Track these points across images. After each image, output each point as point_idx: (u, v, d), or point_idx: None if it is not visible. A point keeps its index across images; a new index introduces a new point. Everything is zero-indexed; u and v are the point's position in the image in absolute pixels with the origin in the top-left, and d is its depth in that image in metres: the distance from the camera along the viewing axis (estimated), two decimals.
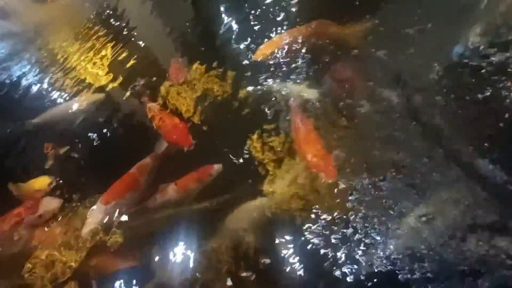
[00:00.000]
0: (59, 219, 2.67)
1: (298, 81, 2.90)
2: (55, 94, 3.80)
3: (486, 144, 2.16)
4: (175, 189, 2.64)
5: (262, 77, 3.01)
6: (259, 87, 2.99)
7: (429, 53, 2.67)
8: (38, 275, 2.39)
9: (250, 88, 2.98)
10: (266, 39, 3.22)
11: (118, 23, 4.29)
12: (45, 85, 3.98)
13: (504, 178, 2.04)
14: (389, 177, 2.23)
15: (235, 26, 3.51)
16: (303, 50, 3.02)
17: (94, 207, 2.57)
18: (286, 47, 3.06)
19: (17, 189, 2.90)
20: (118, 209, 2.57)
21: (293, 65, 3.01)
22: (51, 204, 2.73)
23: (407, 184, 2.19)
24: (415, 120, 2.42)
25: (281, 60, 3.05)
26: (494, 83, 2.29)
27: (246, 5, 3.61)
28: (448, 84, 2.46)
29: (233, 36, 3.44)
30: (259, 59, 3.09)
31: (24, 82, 4.14)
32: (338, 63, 2.87)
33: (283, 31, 3.23)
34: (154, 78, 3.44)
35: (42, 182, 2.97)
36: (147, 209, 2.62)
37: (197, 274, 2.22)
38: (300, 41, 3.04)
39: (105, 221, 2.50)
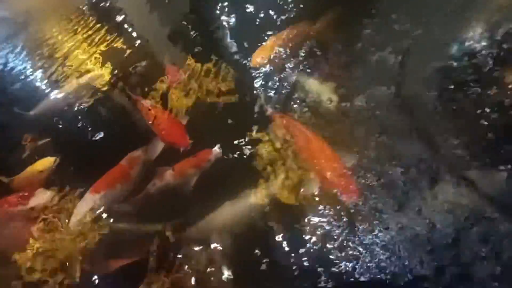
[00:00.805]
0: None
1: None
2: (46, 82, 3.75)
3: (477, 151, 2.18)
4: (172, 174, 2.63)
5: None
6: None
7: (423, 52, 2.65)
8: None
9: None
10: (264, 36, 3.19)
11: (112, 12, 4.21)
12: (35, 73, 3.92)
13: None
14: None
15: (232, 22, 3.49)
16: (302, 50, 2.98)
17: (84, 196, 2.58)
18: (281, 48, 3.00)
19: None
20: (108, 200, 2.57)
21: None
22: (43, 196, 2.70)
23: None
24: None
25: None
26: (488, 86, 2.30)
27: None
28: (441, 85, 2.46)
29: (229, 32, 3.41)
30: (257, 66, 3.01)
31: (15, 69, 4.07)
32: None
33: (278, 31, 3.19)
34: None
35: (45, 162, 2.96)
36: (149, 195, 2.62)
37: None
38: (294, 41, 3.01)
39: (95, 211, 2.52)
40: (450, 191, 2.07)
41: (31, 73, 3.93)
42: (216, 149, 2.66)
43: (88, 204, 2.54)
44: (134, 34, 3.88)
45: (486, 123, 2.20)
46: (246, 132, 2.68)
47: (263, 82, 2.92)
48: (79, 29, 4.20)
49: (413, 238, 2.01)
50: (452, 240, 1.95)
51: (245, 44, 3.26)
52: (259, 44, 3.11)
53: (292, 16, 3.24)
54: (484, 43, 2.42)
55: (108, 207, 2.56)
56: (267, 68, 2.97)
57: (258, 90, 2.89)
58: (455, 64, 2.46)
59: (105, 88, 3.47)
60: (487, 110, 2.23)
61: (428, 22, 2.73)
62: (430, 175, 2.16)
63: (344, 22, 3.00)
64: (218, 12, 3.56)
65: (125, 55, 3.69)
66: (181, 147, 2.73)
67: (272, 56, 2.97)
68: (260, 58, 2.98)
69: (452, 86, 2.40)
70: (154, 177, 2.66)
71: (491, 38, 2.42)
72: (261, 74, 2.96)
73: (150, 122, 2.93)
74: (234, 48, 3.28)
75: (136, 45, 3.75)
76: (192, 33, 3.58)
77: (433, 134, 2.31)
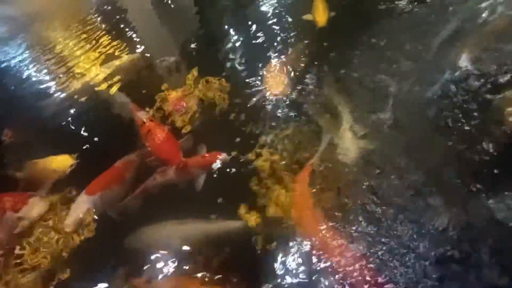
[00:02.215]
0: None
1: None
2: (47, 81, 3.80)
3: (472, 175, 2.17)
4: (175, 171, 2.63)
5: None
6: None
7: (418, 79, 2.69)
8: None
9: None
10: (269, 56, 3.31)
11: (119, 20, 4.29)
12: (38, 72, 3.96)
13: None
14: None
15: (238, 42, 3.57)
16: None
17: (78, 198, 2.57)
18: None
19: (31, 167, 2.88)
20: (104, 201, 2.57)
21: None
22: (36, 208, 2.61)
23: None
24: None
25: None
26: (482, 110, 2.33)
27: (251, 23, 3.69)
28: (435, 111, 2.49)
29: (236, 52, 3.49)
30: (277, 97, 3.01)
31: (18, 67, 4.11)
32: None
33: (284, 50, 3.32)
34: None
35: (62, 161, 2.87)
36: (146, 190, 2.62)
37: None
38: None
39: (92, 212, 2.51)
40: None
41: (35, 71, 3.97)
42: (225, 154, 2.63)
43: (84, 205, 2.52)
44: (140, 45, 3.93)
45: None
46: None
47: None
48: (83, 33, 4.25)
49: None
50: None
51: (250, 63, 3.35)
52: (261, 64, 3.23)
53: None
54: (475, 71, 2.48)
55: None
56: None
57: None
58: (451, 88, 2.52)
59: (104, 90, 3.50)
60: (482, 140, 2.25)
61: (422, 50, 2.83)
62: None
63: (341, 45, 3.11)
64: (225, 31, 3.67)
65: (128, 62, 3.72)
66: (173, 165, 2.67)
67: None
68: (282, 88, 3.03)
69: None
70: (155, 172, 2.65)
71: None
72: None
73: (143, 134, 2.88)
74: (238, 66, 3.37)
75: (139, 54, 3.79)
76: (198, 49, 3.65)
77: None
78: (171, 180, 2.62)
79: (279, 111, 2.87)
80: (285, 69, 3.16)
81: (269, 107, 2.91)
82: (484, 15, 2.80)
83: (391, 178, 2.32)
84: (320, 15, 3.40)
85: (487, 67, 2.45)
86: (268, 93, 3.02)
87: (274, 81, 3.09)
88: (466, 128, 2.32)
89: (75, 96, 3.52)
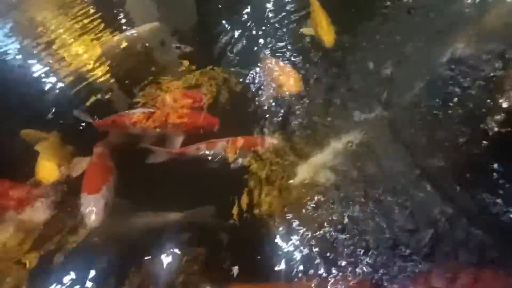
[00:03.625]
0: None
1: None
2: (34, 65, 3.67)
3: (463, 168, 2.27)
4: (225, 146, 2.65)
5: None
6: None
7: (412, 67, 2.83)
8: None
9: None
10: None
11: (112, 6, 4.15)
12: (25, 55, 3.83)
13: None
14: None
15: (236, 35, 3.57)
16: None
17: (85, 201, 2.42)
18: None
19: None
20: (110, 193, 2.49)
21: None
22: (41, 213, 2.50)
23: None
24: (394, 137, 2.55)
25: None
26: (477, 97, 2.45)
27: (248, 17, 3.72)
28: (429, 99, 2.61)
29: (232, 46, 3.50)
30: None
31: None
32: None
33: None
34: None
35: (49, 172, 2.71)
36: (183, 154, 2.67)
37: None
38: None
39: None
40: None
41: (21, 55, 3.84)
42: (274, 138, 2.68)
43: (99, 203, 2.41)
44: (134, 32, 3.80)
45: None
46: None
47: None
48: (74, 18, 4.11)
49: None
50: None
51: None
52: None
53: None
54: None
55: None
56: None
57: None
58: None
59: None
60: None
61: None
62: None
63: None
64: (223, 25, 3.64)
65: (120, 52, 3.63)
66: (214, 128, 2.80)
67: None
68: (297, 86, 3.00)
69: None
70: (200, 142, 2.69)
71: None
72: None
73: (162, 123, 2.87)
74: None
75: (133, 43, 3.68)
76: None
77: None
78: (218, 154, 2.63)
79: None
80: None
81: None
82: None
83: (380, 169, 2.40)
84: (327, 34, 3.22)
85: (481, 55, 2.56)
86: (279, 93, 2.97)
87: (287, 79, 3.02)
88: (457, 117, 2.44)
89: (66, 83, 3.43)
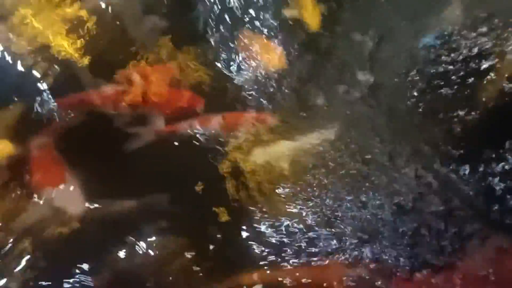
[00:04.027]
0: None
1: None
2: None
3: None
4: (221, 123, 2.50)
5: None
6: None
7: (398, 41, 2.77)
8: None
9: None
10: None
11: None
12: None
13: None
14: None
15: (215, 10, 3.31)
16: None
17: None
18: None
19: None
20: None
21: None
22: None
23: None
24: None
25: None
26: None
27: None
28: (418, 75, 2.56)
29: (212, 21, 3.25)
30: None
31: None
32: None
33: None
34: None
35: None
36: (174, 132, 2.50)
37: None
38: None
39: None
40: None
41: None
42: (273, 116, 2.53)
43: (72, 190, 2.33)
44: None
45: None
46: None
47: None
48: None
49: None
50: None
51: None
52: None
53: None
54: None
55: None
56: None
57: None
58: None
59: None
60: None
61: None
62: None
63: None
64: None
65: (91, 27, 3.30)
66: (198, 108, 2.61)
67: None
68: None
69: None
70: (192, 118, 2.51)
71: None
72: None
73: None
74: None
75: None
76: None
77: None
78: (210, 131, 2.48)
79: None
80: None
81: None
82: None
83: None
84: (311, 17, 2.99)
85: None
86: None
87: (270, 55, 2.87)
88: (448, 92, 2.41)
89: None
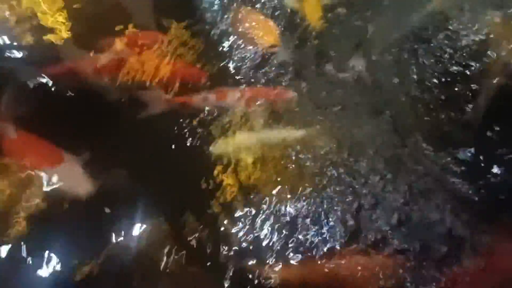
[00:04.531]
0: None
1: None
2: None
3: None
4: (239, 97, 2.39)
5: None
6: None
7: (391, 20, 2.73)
8: None
9: None
10: None
11: None
12: None
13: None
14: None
15: None
16: None
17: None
18: None
19: None
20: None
21: None
22: None
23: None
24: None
25: None
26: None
27: None
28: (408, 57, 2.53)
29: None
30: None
31: None
32: None
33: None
34: None
35: None
36: (187, 104, 2.39)
37: None
38: None
39: None
40: None
41: None
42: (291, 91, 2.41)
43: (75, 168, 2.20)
44: None
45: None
46: None
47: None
48: None
49: None
50: None
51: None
52: None
53: None
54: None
55: None
56: None
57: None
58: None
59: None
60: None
61: None
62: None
63: None
64: None
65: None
66: (202, 81, 2.52)
67: None
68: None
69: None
70: (206, 91, 2.41)
71: None
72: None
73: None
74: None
75: None
76: None
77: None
78: (226, 105, 2.36)
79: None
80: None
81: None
82: None
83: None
84: (312, 11, 2.85)
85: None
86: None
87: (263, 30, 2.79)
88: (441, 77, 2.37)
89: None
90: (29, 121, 2.38)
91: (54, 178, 2.17)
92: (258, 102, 2.41)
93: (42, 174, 2.19)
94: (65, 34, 2.92)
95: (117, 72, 2.54)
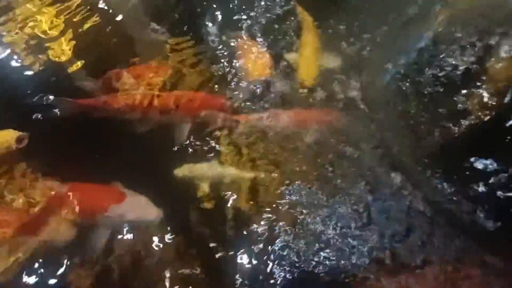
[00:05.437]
0: None
1: None
2: None
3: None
4: (290, 118, 2.43)
5: None
6: None
7: (387, 51, 2.82)
8: None
9: None
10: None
11: None
12: None
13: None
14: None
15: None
16: None
17: None
18: None
19: None
20: None
21: None
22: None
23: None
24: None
25: None
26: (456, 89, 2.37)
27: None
28: (405, 83, 2.57)
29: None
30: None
31: None
32: None
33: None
34: None
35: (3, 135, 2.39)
36: (235, 122, 2.47)
37: None
38: None
39: None
40: None
41: None
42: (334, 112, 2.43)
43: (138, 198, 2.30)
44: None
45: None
46: None
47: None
48: None
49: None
50: None
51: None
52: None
53: None
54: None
55: None
56: None
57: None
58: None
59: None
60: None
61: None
62: None
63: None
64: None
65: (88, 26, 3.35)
66: (225, 110, 2.58)
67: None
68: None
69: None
70: (261, 112, 2.46)
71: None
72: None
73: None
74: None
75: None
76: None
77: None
78: (283, 127, 2.40)
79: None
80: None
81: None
82: None
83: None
84: (307, 74, 2.87)
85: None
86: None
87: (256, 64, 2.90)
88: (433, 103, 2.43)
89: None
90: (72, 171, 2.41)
91: (124, 213, 2.25)
92: (308, 123, 2.49)
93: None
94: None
95: (147, 106, 2.71)
